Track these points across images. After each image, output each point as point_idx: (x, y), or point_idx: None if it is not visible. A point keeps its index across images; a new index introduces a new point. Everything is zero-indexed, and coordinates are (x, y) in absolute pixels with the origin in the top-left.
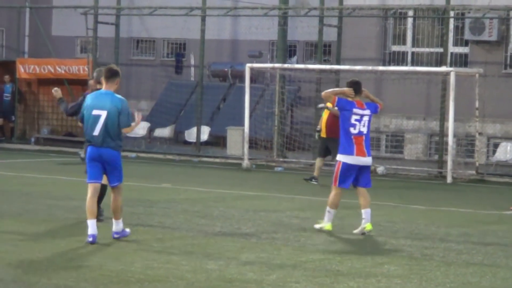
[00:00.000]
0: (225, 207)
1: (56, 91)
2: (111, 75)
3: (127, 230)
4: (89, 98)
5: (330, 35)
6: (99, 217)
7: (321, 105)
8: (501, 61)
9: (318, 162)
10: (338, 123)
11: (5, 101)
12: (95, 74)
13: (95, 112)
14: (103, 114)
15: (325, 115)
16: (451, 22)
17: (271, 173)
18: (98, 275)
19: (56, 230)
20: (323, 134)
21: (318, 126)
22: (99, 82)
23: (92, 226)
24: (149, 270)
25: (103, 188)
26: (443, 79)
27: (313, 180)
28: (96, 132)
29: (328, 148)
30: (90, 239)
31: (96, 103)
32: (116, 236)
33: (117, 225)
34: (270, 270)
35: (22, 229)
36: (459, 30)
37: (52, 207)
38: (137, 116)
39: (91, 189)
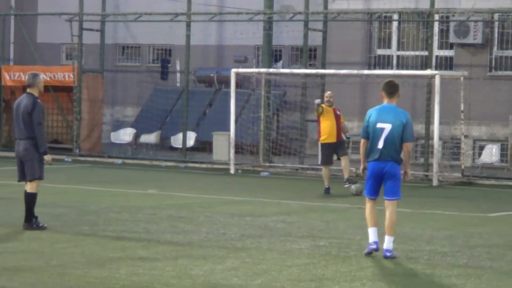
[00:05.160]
0: (211, 213)
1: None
2: (395, 90)
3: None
4: None
5: (315, 39)
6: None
7: (317, 101)
8: (486, 64)
9: (326, 171)
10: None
11: None
12: (27, 77)
13: None
14: None
15: (328, 121)
16: (436, 25)
17: (257, 178)
18: (83, 282)
19: (41, 237)
20: (333, 140)
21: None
22: (29, 86)
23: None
24: (134, 276)
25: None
26: (428, 82)
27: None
28: None
29: (331, 154)
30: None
31: None
32: (388, 254)
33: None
34: (255, 275)
35: (6, 236)
36: (443, 33)
37: (36, 214)
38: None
39: None
